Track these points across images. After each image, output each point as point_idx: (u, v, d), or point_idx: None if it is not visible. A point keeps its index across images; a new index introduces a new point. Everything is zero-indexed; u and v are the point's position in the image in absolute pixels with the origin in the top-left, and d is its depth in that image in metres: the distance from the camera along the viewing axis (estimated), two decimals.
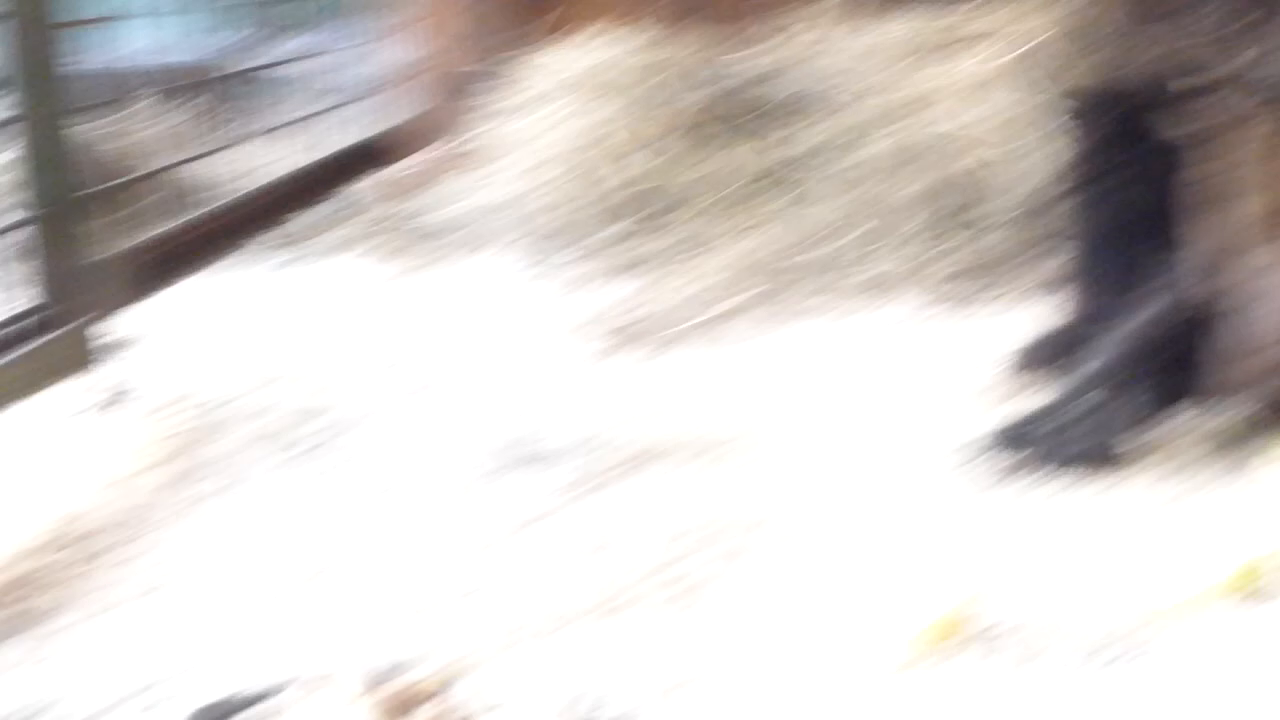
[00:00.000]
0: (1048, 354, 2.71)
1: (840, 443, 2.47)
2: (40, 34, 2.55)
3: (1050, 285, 3.19)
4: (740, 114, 3.79)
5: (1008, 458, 2.25)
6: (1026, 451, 2.25)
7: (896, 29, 3.81)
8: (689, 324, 3.13)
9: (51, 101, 2.58)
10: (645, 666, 1.69)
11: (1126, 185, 2.96)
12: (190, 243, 3.29)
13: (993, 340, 2.93)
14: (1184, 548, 1.97)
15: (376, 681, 1.65)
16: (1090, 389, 2.36)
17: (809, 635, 1.77)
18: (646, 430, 2.51)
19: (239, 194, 3.64)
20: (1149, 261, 2.86)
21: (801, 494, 2.23)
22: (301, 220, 3.86)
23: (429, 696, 1.62)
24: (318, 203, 3.99)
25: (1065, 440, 2.30)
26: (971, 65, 3.63)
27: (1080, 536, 2.04)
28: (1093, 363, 2.39)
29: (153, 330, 2.92)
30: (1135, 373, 2.36)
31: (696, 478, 2.31)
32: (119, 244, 2.91)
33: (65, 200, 2.62)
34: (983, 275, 3.35)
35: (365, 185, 4.22)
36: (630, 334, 3.08)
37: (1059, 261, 3.14)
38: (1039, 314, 3.05)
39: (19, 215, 2.58)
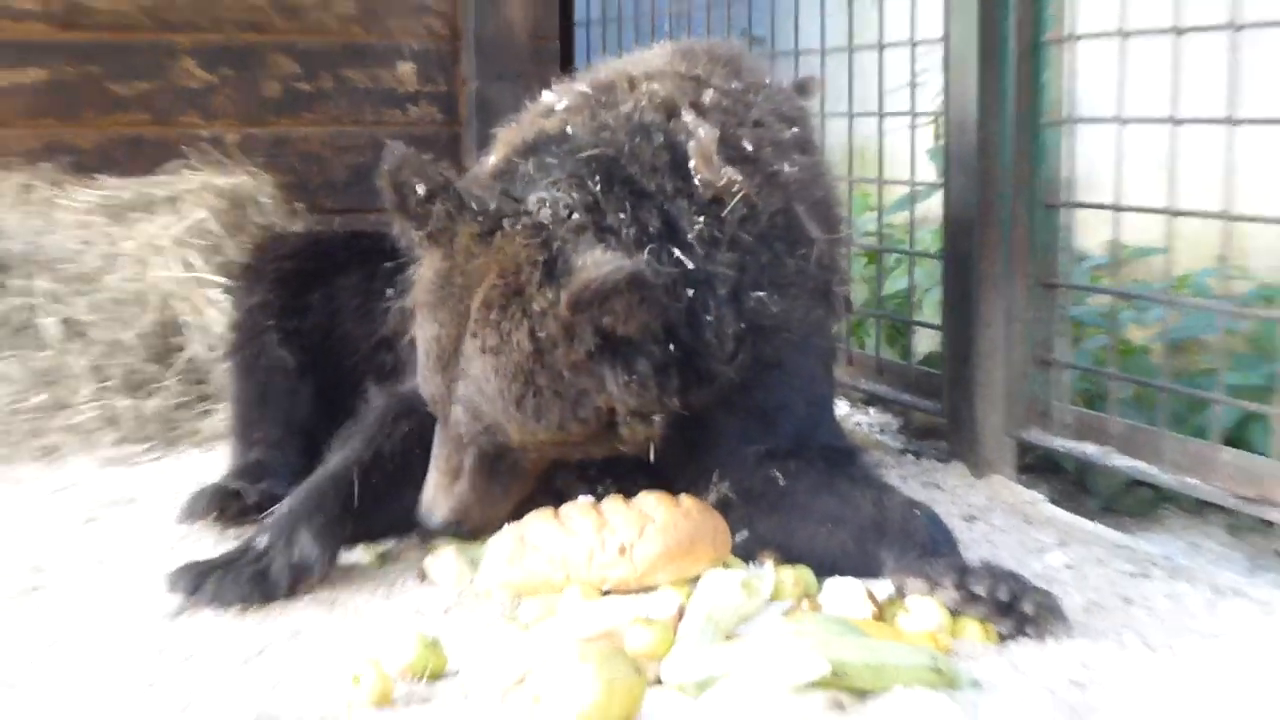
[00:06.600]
0: (208, 505, 2.91)
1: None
2: None
3: (215, 439, 3.43)
4: None
5: (180, 597, 2.48)
6: (195, 593, 2.49)
7: (91, 194, 3.94)
8: None
9: None
10: None
11: (285, 345, 3.23)
12: None
13: (165, 491, 3.08)
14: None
15: None
16: (262, 536, 2.57)
17: None
18: None
19: None
20: (311, 417, 3.16)
21: None
22: None
23: None
24: None
25: (230, 582, 2.51)
26: (160, 227, 3.82)
27: None
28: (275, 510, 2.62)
29: None
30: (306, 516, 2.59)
31: None
32: None
33: None
34: (157, 431, 3.51)
35: None
36: None
37: (225, 417, 3.37)
38: (206, 466, 3.26)
39: None
